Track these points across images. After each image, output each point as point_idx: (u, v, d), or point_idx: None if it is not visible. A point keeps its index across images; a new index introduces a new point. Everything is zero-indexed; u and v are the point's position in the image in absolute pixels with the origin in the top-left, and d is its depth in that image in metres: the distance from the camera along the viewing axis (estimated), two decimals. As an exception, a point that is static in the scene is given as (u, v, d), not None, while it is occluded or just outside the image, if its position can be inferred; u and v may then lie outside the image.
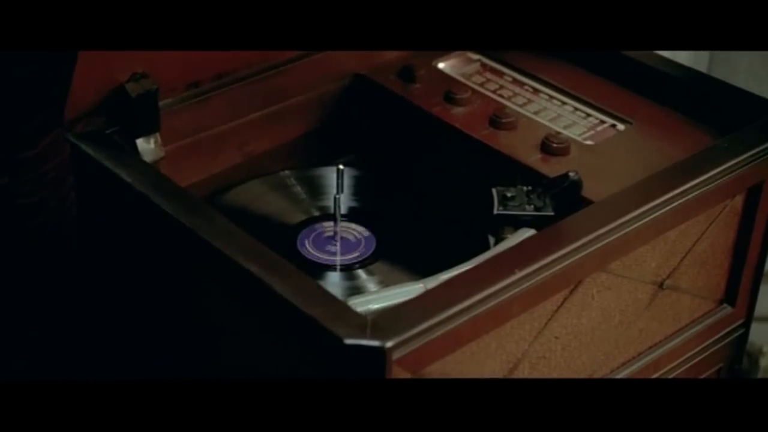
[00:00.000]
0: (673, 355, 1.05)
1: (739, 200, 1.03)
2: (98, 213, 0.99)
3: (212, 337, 0.93)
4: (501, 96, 1.12)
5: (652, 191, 0.94)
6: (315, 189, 1.07)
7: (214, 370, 0.94)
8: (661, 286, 1.00)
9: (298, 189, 1.07)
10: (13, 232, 1.17)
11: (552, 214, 0.96)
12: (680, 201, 0.95)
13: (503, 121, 1.06)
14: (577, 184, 0.97)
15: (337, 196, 1.00)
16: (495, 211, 0.97)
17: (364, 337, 0.80)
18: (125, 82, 0.98)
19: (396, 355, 0.80)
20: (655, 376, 1.04)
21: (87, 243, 1.03)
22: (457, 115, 1.08)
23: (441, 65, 1.16)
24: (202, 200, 0.94)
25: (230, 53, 1.04)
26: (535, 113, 1.10)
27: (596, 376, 0.99)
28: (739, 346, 1.12)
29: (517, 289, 0.86)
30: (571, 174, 0.97)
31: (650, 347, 1.03)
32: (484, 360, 0.88)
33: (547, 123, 1.08)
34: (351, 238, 1.02)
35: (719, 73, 1.60)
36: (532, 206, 0.97)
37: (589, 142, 1.06)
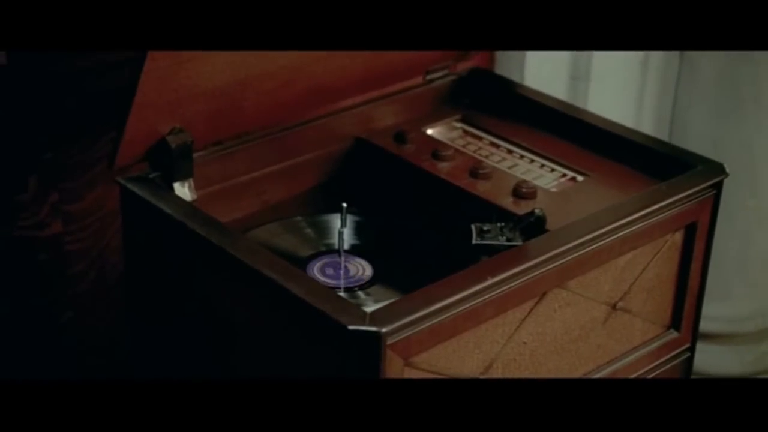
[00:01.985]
0: (628, 371, 1.23)
1: (679, 237, 1.22)
2: (141, 241, 1.18)
3: (236, 337, 1.11)
4: (479, 155, 1.32)
5: (601, 221, 1.14)
6: (322, 231, 1.26)
7: (236, 366, 1.12)
8: (614, 307, 1.19)
9: (309, 230, 1.26)
10: (60, 273, 1.37)
11: (521, 243, 1.15)
12: (626, 231, 1.15)
13: (480, 172, 1.26)
14: (541, 219, 1.16)
15: (341, 230, 1.20)
16: (473, 242, 1.16)
17: (364, 324, 0.98)
18: (166, 135, 1.17)
19: (390, 340, 0.99)
20: (611, 388, 1.22)
21: (131, 268, 1.21)
22: (442, 168, 1.28)
23: (429, 131, 1.36)
24: (228, 226, 1.13)
25: (251, 116, 1.24)
26: (508, 168, 1.30)
27: (560, 384, 1.17)
28: (686, 369, 1.31)
29: (489, 295, 1.05)
30: (537, 210, 1.16)
31: (607, 362, 1.21)
32: (464, 357, 1.07)
33: (518, 175, 1.28)
34: (352, 267, 1.20)
35: (676, 139, 1.82)
36: (504, 237, 1.16)
37: (553, 189, 1.26)
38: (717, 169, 1.23)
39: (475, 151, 1.33)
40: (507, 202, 1.22)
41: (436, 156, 1.30)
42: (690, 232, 1.22)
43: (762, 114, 1.76)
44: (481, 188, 1.25)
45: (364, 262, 1.21)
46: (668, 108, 1.84)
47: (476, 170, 1.26)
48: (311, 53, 1.22)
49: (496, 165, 1.29)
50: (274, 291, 1.04)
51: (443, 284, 1.04)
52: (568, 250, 1.10)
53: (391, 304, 1.03)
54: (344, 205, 1.19)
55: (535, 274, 1.08)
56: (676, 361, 1.28)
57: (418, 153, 1.31)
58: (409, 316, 1.00)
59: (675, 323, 1.27)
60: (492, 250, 1.14)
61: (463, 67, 1.43)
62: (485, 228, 1.16)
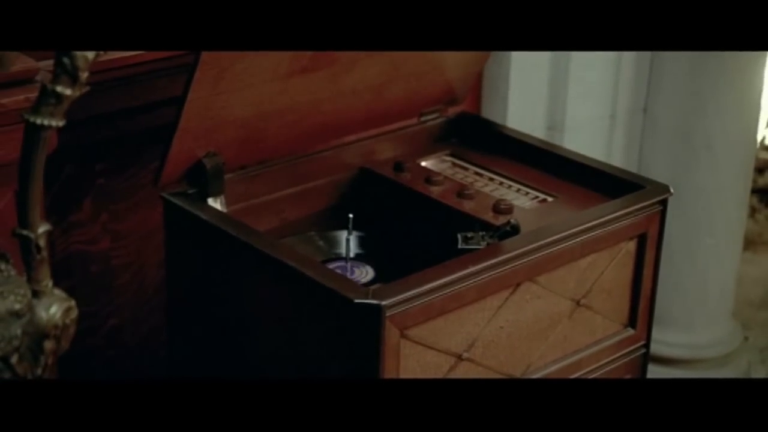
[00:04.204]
0: (590, 361, 1.45)
1: (632, 246, 1.45)
2: (181, 246, 1.41)
3: (260, 320, 1.33)
4: (465, 181, 1.55)
5: (563, 227, 1.36)
6: (332, 243, 1.48)
7: (259, 346, 1.34)
8: (578, 303, 1.41)
9: (321, 243, 1.48)
10: (108, 284, 1.59)
11: None
12: (585, 236, 1.37)
13: (466, 193, 1.49)
14: (516, 228, 1.38)
15: (348, 237, 1.43)
16: (459, 246, 1.38)
17: (367, 298, 1.21)
18: (202, 158, 1.40)
19: (389, 313, 1.21)
20: (577, 375, 1.43)
21: (172, 270, 1.44)
22: (433, 191, 1.51)
23: (423, 163, 1.60)
24: (254, 229, 1.36)
25: (272, 145, 1.47)
26: (489, 192, 1.53)
27: (533, 368, 1.38)
28: (642, 363, 1.52)
29: (471, 281, 1.27)
30: (512, 221, 1.39)
31: (573, 351, 1.43)
32: (450, 334, 1.29)
33: (497, 196, 1.51)
34: (357, 270, 1.43)
35: (645, 168, 2.06)
36: (485, 242, 1.38)
37: (527, 207, 1.49)
38: (662, 189, 1.46)
39: (461, 179, 1.56)
40: (488, 216, 1.45)
41: (429, 181, 1.53)
42: (642, 241, 1.45)
43: (714, 161, 1.99)
44: (467, 206, 1.48)
45: (367, 267, 1.44)
46: (634, 157, 2.07)
47: (462, 192, 1.49)
48: (322, 93, 1.46)
49: (479, 189, 1.53)
50: (293, 275, 1.26)
51: (433, 270, 1.26)
52: (536, 248, 1.33)
53: (389, 284, 1.25)
54: (350, 216, 1.43)
55: (509, 266, 1.31)
56: (632, 356, 1.50)
57: (414, 179, 1.54)
58: (405, 292, 1.22)
59: (631, 322, 1.49)
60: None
61: (453, 111, 1.67)
62: (469, 236, 1.39)
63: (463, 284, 1.27)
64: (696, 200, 2.00)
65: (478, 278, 1.28)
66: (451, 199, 1.49)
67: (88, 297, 1.57)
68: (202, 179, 1.41)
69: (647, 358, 1.53)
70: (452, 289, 1.26)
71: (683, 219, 1.99)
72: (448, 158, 1.62)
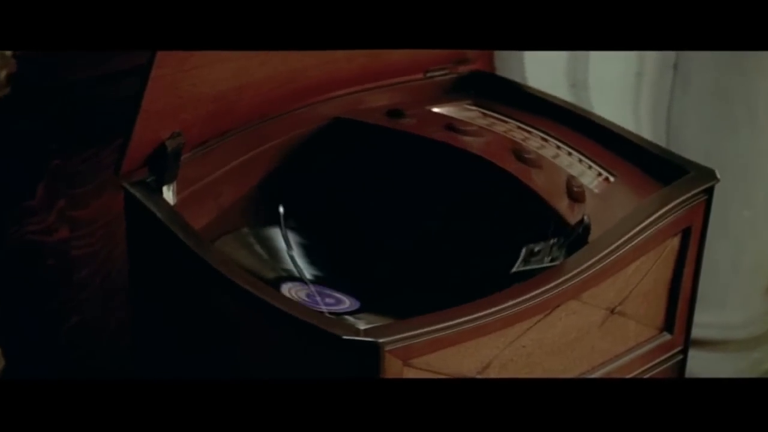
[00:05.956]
0: (621, 372, 1.25)
1: (676, 241, 1.25)
2: (142, 244, 1.21)
3: (233, 339, 1.13)
4: (513, 137, 1.18)
5: (618, 234, 1.14)
6: (269, 242, 1.25)
7: (235, 367, 1.14)
8: (612, 311, 1.21)
9: (254, 241, 1.25)
10: (67, 278, 1.40)
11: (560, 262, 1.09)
12: (636, 240, 1.16)
13: (527, 157, 1.13)
14: (587, 229, 1.09)
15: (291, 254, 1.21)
16: (515, 269, 1.09)
17: (358, 335, 0.99)
18: (167, 140, 1.18)
19: (388, 348, 1.00)
20: (606, 388, 1.24)
21: (134, 269, 1.24)
22: (471, 143, 1.15)
23: (435, 109, 1.27)
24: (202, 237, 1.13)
25: (244, 115, 1.25)
26: (552, 158, 1.20)
27: (555, 384, 1.19)
28: (679, 371, 1.33)
29: (498, 315, 1.06)
30: (585, 218, 1.09)
31: (601, 363, 1.23)
32: (462, 359, 1.08)
33: (565, 168, 1.20)
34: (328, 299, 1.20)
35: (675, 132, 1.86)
36: (550, 257, 1.09)
37: (595, 191, 1.21)
38: (709, 175, 1.26)
39: (506, 132, 1.20)
40: (563, 206, 1.14)
41: (454, 129, 1.16)
42: (685, 236, 1.25)
43: (754, 126, 1.80)
44: (536, 180, 1.15)
45: (341, 296, 1.21)
46: (663, 119, 1.88)
47: (521, 153, 1.13)
48: (309, 60, 1.24)
49: (538, 152, 1.17)
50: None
51: (447, 312, 1.04)
52: (588, 266, 1.10)
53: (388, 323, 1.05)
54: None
55: (551, 293, 1.09)
56: (669, 363, 1.31)
57: (425, 126, 1.20)
58: (408, 331, 1.01)
59: (668, 326, 1.30)
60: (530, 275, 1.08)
61: (464, 69, 1.41)
62: (536, 249, 1.09)
63: (487, 319, 1.05)
64: (733, 168, 1.80)
65: (508, 311, 1.07)
66: (509, 162, 1.10)
67: (45, 293, 1.42)
68: (160, 163, 1.19)
69: (685, 365, 1.34)
70: (471, 325, 1.04)
71: (717, 189, 1.79)
72: (473, 108, 1.25)
